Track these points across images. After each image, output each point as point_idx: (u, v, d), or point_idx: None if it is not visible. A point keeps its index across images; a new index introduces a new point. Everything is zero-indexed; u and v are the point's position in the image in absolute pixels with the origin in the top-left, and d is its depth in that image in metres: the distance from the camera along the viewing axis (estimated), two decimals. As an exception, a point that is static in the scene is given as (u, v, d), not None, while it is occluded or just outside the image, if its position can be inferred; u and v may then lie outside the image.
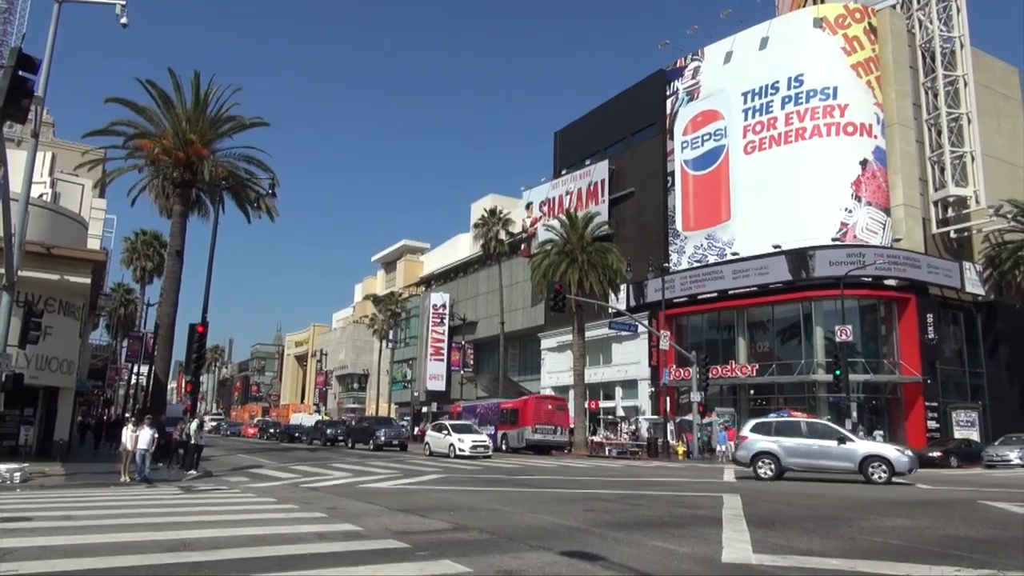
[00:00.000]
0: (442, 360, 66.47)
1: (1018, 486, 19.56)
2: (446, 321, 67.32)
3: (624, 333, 44.46)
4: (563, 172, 55.73)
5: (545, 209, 55.51)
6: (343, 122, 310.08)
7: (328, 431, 45.38)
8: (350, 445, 40.82)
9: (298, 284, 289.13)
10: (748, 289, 39.86)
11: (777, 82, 41.67)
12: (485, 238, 53.63)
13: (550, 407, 39.46)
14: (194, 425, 21.51)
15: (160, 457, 21.46)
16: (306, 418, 73.82)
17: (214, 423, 72.60)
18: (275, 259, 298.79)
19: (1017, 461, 29.04)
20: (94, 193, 36.88)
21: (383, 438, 37.43)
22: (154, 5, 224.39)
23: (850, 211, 38.75)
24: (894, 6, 43.62)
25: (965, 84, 40.98)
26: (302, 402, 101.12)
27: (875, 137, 39.79)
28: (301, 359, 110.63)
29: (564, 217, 43.79)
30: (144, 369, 45.78)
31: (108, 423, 35.97)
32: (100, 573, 6.74)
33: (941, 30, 41.51)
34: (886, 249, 37.66)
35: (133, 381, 52.74)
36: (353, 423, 47.54)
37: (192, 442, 20.98)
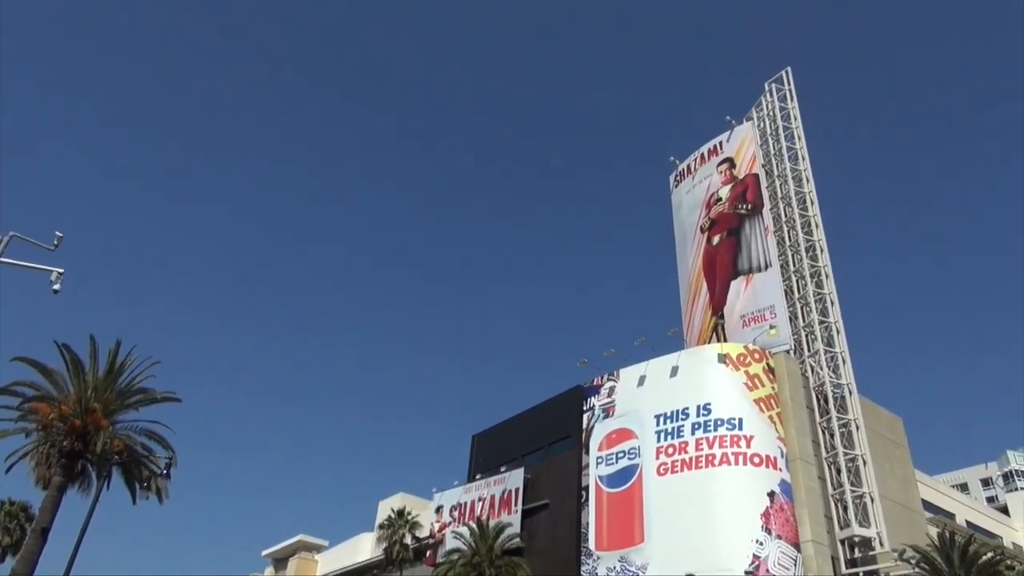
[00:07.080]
0: None
1: None
2: (333, 635, 60.02)
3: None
4: (478, 476, 54.63)
5: (456, 514, 53.27)
6: (251, 397, 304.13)
7: None
8: None
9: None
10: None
11: (687, 408, 43.65)
12: (390, 541, 50.38)
13: None
14: None
15: None
16: None
17: None
18: (155, 543, 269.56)
19: None
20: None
21: None
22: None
23: (761, 543, 38.41)
24: (788, 351, 47.35)
25: (857, 428, 43.27)
26: None
27: (780, 470, 41.06)
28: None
29: (475, 525, 42.03)
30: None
31: None
32: None
33: (831, 377, 45.01)
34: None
35: None
36: None
37: None
